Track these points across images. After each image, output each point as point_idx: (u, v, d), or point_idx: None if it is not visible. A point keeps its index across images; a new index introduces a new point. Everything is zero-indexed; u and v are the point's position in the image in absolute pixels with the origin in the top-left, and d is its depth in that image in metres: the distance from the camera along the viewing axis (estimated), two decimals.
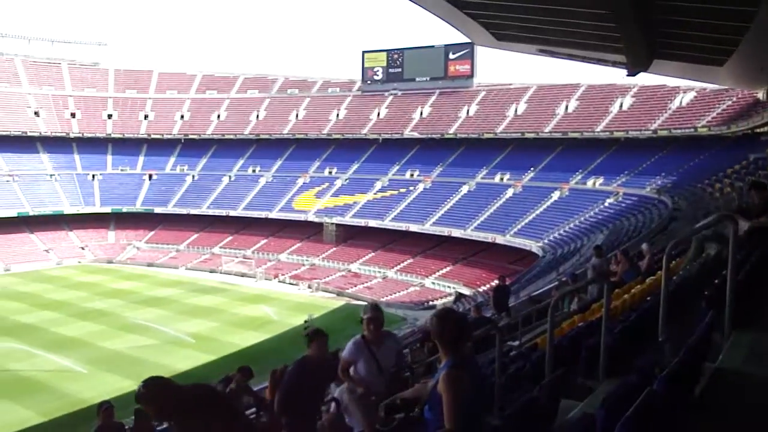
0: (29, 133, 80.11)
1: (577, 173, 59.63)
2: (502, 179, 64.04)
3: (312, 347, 6.68)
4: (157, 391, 4.77)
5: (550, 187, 59.74)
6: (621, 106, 61.82)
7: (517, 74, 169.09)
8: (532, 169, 62.99)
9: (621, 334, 7.00)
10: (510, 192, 61.91)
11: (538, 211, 57.41)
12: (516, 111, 68.29)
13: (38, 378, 35.12)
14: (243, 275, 64.32)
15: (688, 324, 6.05)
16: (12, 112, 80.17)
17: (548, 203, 58.15)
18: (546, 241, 51.14)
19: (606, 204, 53.24)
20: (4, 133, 77.49)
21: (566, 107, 65.31)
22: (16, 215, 72.28)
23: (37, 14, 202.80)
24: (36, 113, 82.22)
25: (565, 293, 14.23)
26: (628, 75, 19.24)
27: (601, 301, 9.85)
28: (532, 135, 64.55)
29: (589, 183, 57.83)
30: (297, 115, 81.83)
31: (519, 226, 56.03)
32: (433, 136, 71.11)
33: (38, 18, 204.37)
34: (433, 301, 51.98)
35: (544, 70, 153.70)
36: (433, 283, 56.75)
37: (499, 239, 55.75)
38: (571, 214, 53.79)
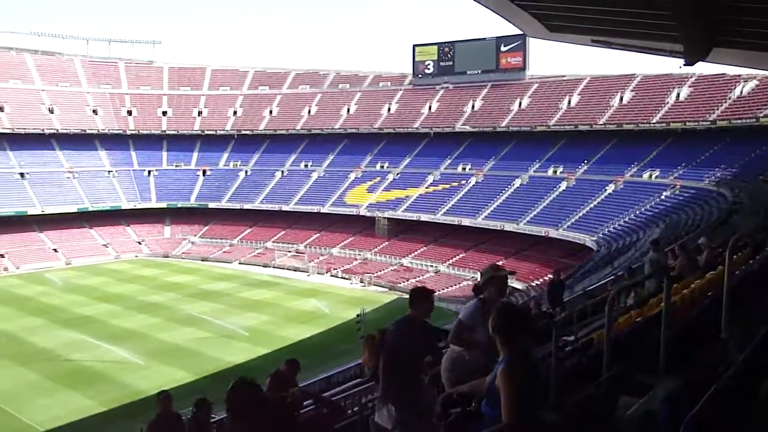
0: (88, 131, 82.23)
1: (632, 166, 58.47)
2: (555, 172, 63.25)
3: (416, 306, 6.32)
4: (245, 394, 4.86)
5: (604, 180, 58.72)
6: (678, 96, 60.38)
7: (570, 66, 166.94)
8: (585, 161, 62.02)
9: (681, 330, 6.83)
10: (563, 185, 61.10)
11: (592, 205, 56.53)
12: (569, 103, 67.31)
13: (98, 368, 36.09)
14: (295, 269, 64.91)
15: (752, 322, 5.86)
16: (72, 110, 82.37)
17: (602, 196, 57.19)
18: (600, 235, 50.30)
19: (662, 197, 52.06)
20: (65, 131, 79.74)
21: (621, 98, 64.10)
22: (76, 211, 74.36)
23: (95, 16, 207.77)
24: (94, 111, 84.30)
25: (623, 288, 13.94)
26: (685, 65, 18.72)
27: (659, 296, 9.62)
28: (585, 127, 63.54)
29: (645, 176, 56.65)
30: (348, 110, 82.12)
31: (573, 220, 55.29)
32: (485, 129, 70.56)
33: (96, 19, 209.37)
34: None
35: (597, 61, 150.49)
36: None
37: (553, 233, 55.09)
38: (627, 208, 52.78)
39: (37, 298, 53.24)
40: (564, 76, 72.17)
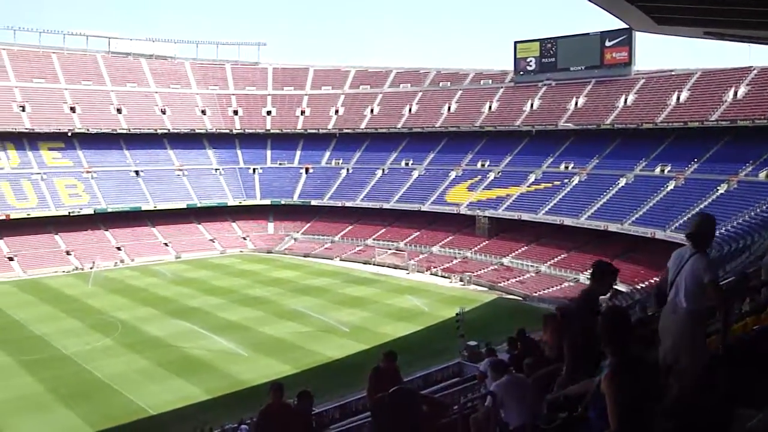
0: (197, 131, 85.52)
1: (747, 164, 55.54)
2: (662, 171, 60.90)
3: (598, 280, 6.07)
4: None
5: (716, 179, 56.05)
6: None
7: (679, 60, 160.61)
8: (695, 160, 59.39)
9: None
10: (671, 185, 58.73)
11: (702, 205, 54.02)
12: (678, 99, 64.65)
13: (205, 358, 37.47)
14: (395, 267, 65.27)
15: None
16: (182, 111, 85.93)
17: (714, 197, 54.61)
18: None
19: None
20: (176, 131, 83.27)
21: (735, 93, 61.04)
22: (185, 207, 77.48)
23: (204, 20, 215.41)
24: (203, 112, 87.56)
25: (738, 293, 13.28)
26: None
27: None
28: (695, 124, 60.86)
29: (761, 175, 53.69)
30: (449, 108, 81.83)
31: (681, 221, 53.00)
32: (589, 127, 68.73)
33: (205, 23, 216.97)
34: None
35: (709, 54, 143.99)
36: (588, 279, 54.83)
37: (659, 234, 52.97)
38: (741, 209, 50.17)
39: (149, 290, 55.80)
40: (673, 70, 69.33)
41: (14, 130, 73.57)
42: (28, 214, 68.11)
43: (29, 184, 71.35)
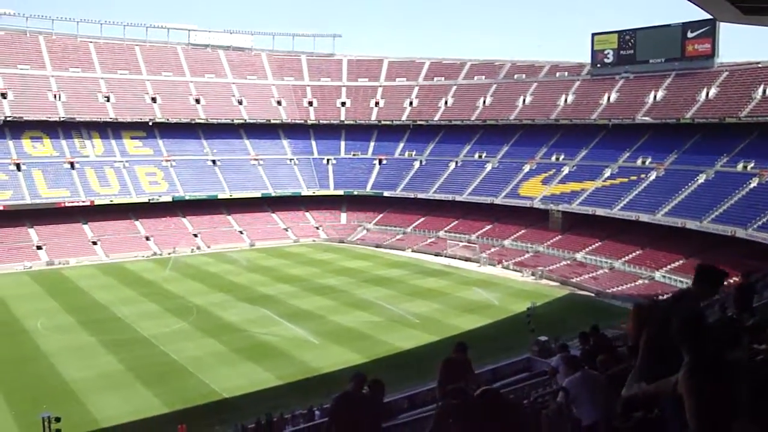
0: (272, 121, 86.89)
1: None
2: (745, 168, 58.57)
3: (700, 284, 5.76)
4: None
5: None
6: None
7: (765, 52, 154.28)
8: None
9: None
10: (754, 182, 56.44)
11: None
12: (764, 92, 61.92)
13: (277, 344, 38.18)
14: (467, 260, 65.00)
15: None
16: (259, 102, 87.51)
17: None
18: None
19: None
20: (252, 122, 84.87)
21: None
22: (260, 196, 78.97)
23: (281, 12, 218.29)
24: (278, 102, 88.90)
25: None
26: None
27: None
28: None
29: None
30: (524, 101, 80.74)
31: (763, 220, 50.90)
32: (668, 121, 66.67)
33: (282, 15, 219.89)
34: (663, 295, 49.08)
35: None
36: (664, 276, 53.43)
37: (740, 233, 51.03)
38: None
39: (224, 276, 57.17)
40: (759, 62, 66.40)
41: (99, 120, 76.42)
42: (111, 201, 70.73)
43: (112, 171, 73.99)
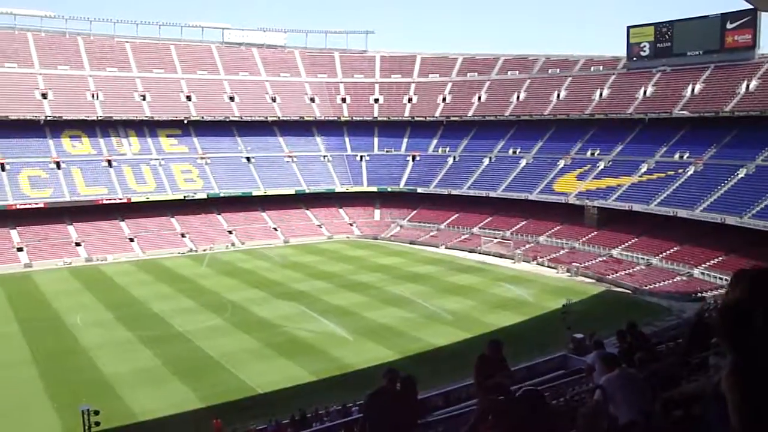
0: (306, 118, 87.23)
1: None
2: None
3: (735, 292, 5.71)
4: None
5: None
6: None
7: None
8: None
9: None
10: None
11: None
12: None
13: (310, 340, 38.31)
14: (501, 256, 64.57)
15: None
16: (292, 99, 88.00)
17: None
18: None
19: None
20: (285, 119, 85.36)
21: None
22: (294, 193, 79.39)
23: (313, 9, 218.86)
24: (312, 99, 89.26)
25: None
26: None
27: None
28: None
29: None
30: (558, 95, 79.95)
31: None
32: (706, 114, 65.44)
33: (314, 12, 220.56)
34: (702, 292, 48.25)
35: None
36: (703, 273, 52.50)
37: None
38: None
39: (259, 272, 57.54)
40: None
41: (135, 118, 77.48)
42: (147, 198, 71.63)
43: (148, 169, 74.92)
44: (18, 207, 65.42)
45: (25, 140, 71.82)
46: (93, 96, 76.65)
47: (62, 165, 71.16)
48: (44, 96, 74.05)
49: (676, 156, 65.40)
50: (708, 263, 53.24)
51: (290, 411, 26.17)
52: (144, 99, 79.19)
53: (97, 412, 22.02)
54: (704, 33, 69.71)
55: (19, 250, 63.29)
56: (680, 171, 63.13)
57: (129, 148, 76.77)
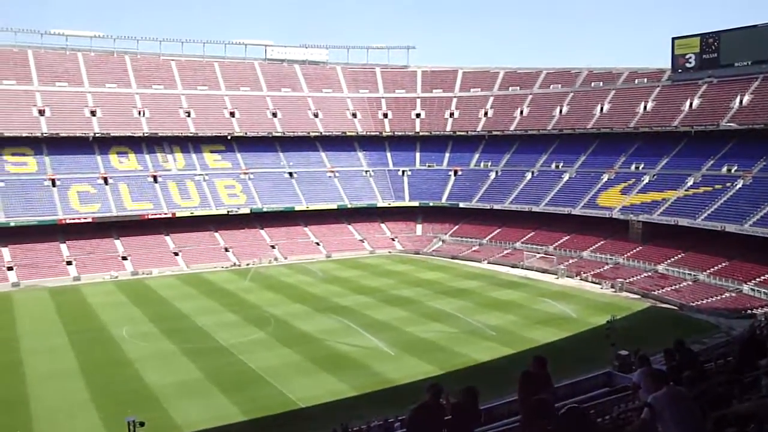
0: (348, 133, 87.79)
1: None
2: None
3: None
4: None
5: None
6: None
7: None
8: None
9: None
10: None
11: None
12: None
13: (352, 355, 38.29)
14: (544, 271, 63.92)
15: None
16: (334, 115, 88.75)
17: None
18: None
19: None
20: (327, 134, 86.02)
21: None
22: (336, 207, 79.79)
23: (354, 25, 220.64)
24: (353, 115, 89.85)
25: None
26: None
27: None
28: None
29: None
30: (601, 109, 79.11)
31: None
32: (755, 126, 64.05)
33: (355, 28, 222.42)
34: (752, 309, 47.05)
35: None
36: (753, 289, 51.20)
37: None
38: None
39: (301, 287, 57.86)
40: None
41: (180, 135, 78.89)
42: (192, 213, 72.67)
43: (192, 184, 76.07)
44: (67, 221, 67.00)
45: (75, 156, 73.67)
46: (139, 113, 78.29)
47: (110, 180, 72.71)
48: (93, 113, 75.95)
49: (724, 169, 64.13)
50: (758, 279, 51.94)
51: (332, 425, 26.13)
52: (189, 116, 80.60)
53: (142, 424, 22.26)
54: (752, 43, 68.35)
55: (69, 263, 64.69)
56: (728, 185, 61.85)
57: (174, 164, 78.10)
